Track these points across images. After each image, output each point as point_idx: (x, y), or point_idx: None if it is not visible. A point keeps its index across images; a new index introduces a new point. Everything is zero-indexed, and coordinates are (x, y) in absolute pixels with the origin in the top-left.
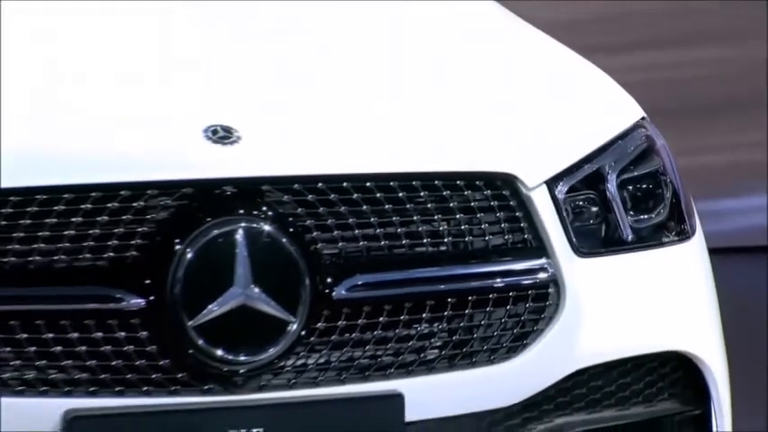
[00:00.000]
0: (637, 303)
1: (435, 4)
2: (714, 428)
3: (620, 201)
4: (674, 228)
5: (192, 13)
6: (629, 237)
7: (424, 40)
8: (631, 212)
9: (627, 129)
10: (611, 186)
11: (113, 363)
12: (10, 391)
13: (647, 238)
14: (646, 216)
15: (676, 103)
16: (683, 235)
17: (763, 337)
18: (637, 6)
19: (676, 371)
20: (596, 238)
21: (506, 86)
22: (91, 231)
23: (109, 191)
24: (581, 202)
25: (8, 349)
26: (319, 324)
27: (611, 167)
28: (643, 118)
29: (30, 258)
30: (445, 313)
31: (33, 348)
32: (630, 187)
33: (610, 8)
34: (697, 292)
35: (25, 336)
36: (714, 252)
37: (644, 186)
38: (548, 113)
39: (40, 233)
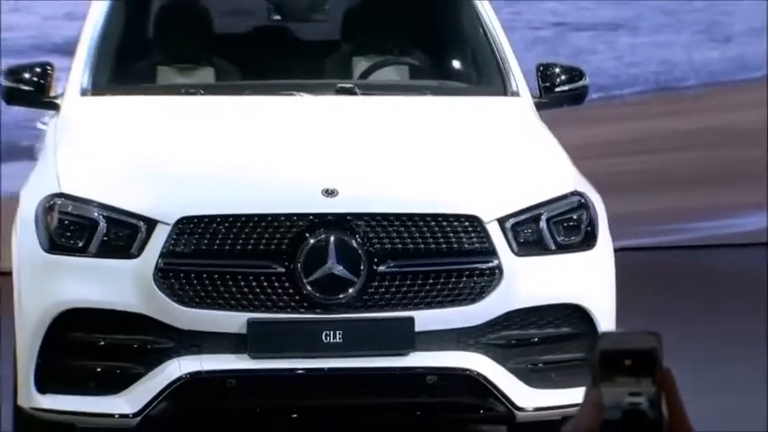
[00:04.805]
0: (553, 279)
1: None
2: None
3: (548, 231)
4: (585, 243)
5: (310, 111)
6: (552, 247)
7: (452, 131)
8: (560, 236)
9: (561, 195)
10: (543, 224)
11: (271, 297)
12: (219, 308)
13: (566, 248)
14: (568, 237)
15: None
16: (589, 247)
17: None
18: (615, 137)
19: (574, 313)
20: (531, 247)
21: (493, 166)
22: (266, 234)
23: (276, 217)
24: (524, 230)
25: (223, 288)
26: (372, 283)
27: (545, 214)
28: (576, 191)
29: (239, 244)
30: (440, 279)
31: (234, 288)
32: (564, 224)
33: (611, 137)
34: (591, 275)
35: (232, 282)
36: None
37: (570, 224)
38: (510, 181)
39: (242, 234)
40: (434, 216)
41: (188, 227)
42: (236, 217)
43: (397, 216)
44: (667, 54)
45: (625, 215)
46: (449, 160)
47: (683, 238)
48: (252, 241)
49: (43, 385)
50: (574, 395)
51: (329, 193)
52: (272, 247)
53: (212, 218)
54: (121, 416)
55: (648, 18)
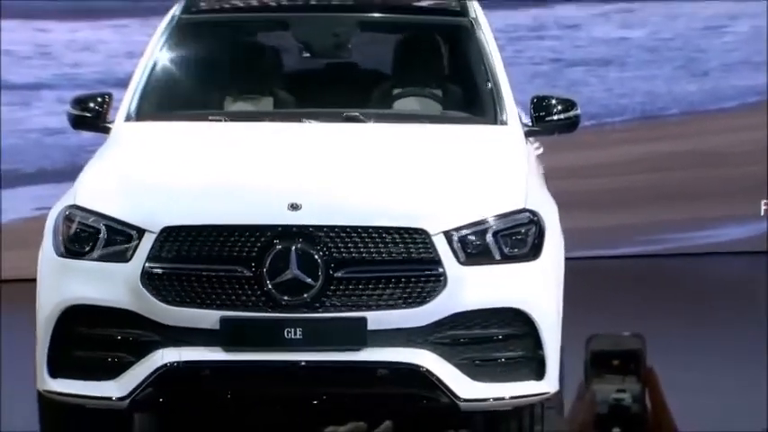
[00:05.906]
0: (497, 286)
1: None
2: (541, 341)
3: (495, 243)
4: (530, 254)
5: (293, 134)
6: (497, 257)
7: (424, 154)
8: (507, 247)
9: (510, 211)
10: (489, 237)
11: (241, 297)
12: (196, 306)
13: (511, 258)
14: (514, 249)
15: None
16: (535, 257)
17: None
18: (607, 159)
19: (516, 316)
20: (477, 257)
21: (448, 184)
22: (238, 242)
23: (247, 227)
24: (471, 242)
25: (200, 289)
26: (329, 287)
27: (492, 227)
28: (526, 207)
29: (214, 251)
30: (390, 284)
31: (209, 289)
32: (512, 238)
33: (603, 160)
34: (534, 282)
35: (207, 284)
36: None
37: (517, 238)
38: (461, 198)
39: (217, 242)
40: (386, 228)
41: (171, 235)
42: (212, 227)
43: (354, 228)
44: (651, 86)
45: (616, 227)
46: (407, 179)
47: (667, 247)
48: (225, 248)
49: (54, 371)
50: (516, 388)
51: (294, 207)
52: (243, 253)
53: (191, 227)
54: (115, 399)
55: (635, 55)
